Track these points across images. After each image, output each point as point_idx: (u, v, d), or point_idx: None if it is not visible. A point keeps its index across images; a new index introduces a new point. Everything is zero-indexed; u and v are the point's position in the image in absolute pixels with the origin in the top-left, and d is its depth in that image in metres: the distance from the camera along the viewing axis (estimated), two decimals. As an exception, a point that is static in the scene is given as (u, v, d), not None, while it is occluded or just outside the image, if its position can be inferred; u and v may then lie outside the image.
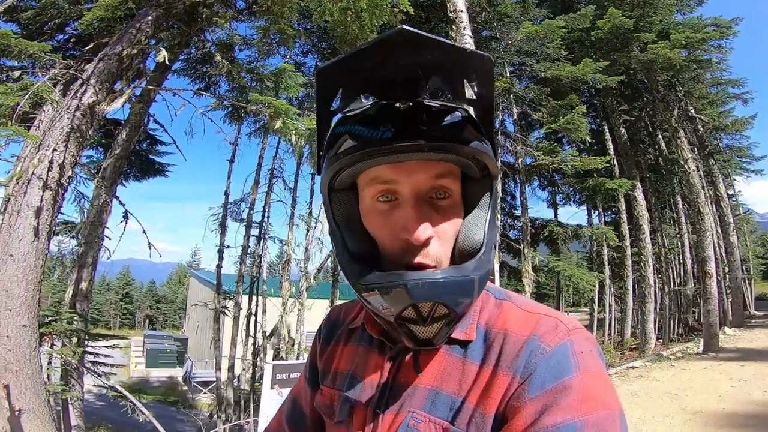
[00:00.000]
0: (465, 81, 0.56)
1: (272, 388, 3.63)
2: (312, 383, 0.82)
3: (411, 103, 0.57)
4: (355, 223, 0.62)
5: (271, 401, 3.59)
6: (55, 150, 3.72)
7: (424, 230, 0.55)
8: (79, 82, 3.96)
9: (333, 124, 0.62)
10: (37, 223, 3.79)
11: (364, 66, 0.53)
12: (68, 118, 3.81)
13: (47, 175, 3.72)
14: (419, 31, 0.46)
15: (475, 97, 0.58)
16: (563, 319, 0.59)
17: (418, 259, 0.56)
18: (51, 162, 3.71)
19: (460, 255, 0.59)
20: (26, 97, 3.79)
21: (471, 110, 0.61)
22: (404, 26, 0.47)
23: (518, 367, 0.54)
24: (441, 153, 0.56)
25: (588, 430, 0.48)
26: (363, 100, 0.59)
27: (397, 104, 0.57)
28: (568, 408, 0.50)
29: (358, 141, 0.56)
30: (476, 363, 0.59)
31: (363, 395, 0.66)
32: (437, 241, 0.58)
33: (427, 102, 0.58)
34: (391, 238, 0.58)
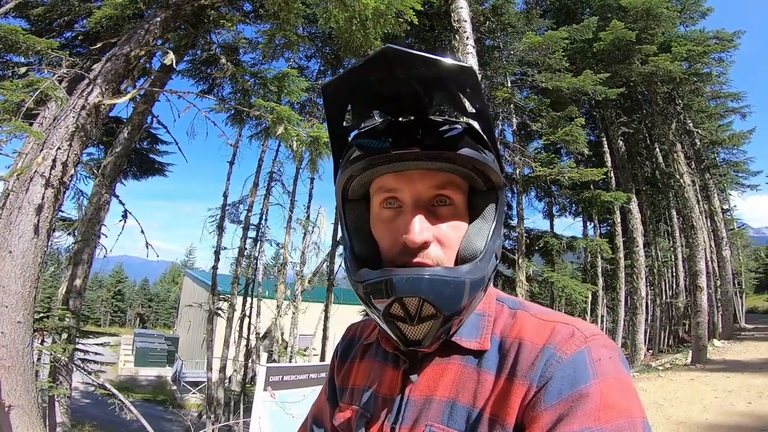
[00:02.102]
0: (461, 95, 0.58)
1: (265, 389, 3.62)
2: (332, 400, 0.83)
3: (413, 117, 0.60)
4: (364, 230, 0.66)
5: (264, 402, 3.59)
6: (59, 148, 3.71)
7: (420, 232, 0.58)
8: (86, 81, 3.96)
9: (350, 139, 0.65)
10: (38, 221, 3.77)
11: (364, 84, 0.57)
12: (74, 117, 3.81)
13: (50, 173, 3.71)
14: (404, 49, 0.50)
15: (475, 111, 0.60)
16: (580, 326, 0.58)
17: (416, 260, 0.58)
18: (54, 160, 3.70)
19: (462, 262, 0.61)
20: (33, 96, 3.79)
21: (476, 125, 0.62)
22: (390, 45, 0.51)
23: (534, 376, 0.54)
24: (437, 162, 0.59)
25: None
26: (376, 118, 0.62)
27: (400, 119, 0.60)
28: (584, 417, 0.49)
29: (362, 151, 0.60)
30: (491, 373, 0.59)
31: (378, 410, 0.67)
32: (437, 246, 0.60)
33: (429, 117, 0.61)
34: (392, 242, 0.61)
